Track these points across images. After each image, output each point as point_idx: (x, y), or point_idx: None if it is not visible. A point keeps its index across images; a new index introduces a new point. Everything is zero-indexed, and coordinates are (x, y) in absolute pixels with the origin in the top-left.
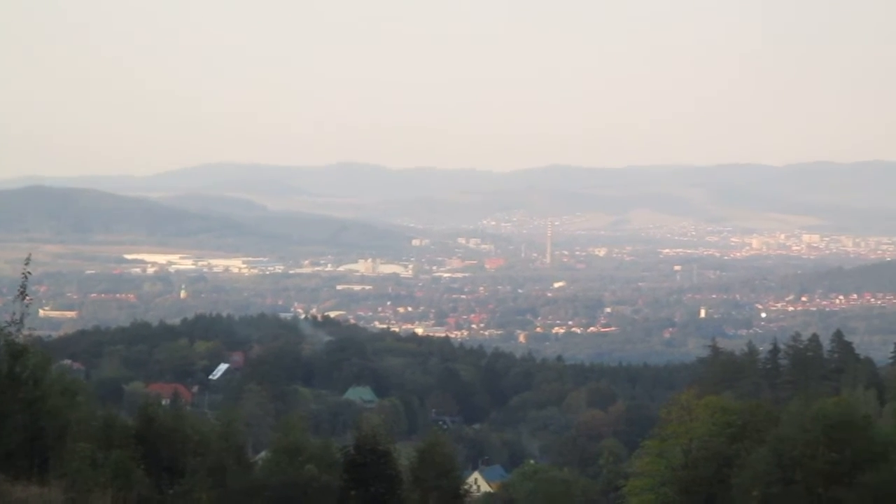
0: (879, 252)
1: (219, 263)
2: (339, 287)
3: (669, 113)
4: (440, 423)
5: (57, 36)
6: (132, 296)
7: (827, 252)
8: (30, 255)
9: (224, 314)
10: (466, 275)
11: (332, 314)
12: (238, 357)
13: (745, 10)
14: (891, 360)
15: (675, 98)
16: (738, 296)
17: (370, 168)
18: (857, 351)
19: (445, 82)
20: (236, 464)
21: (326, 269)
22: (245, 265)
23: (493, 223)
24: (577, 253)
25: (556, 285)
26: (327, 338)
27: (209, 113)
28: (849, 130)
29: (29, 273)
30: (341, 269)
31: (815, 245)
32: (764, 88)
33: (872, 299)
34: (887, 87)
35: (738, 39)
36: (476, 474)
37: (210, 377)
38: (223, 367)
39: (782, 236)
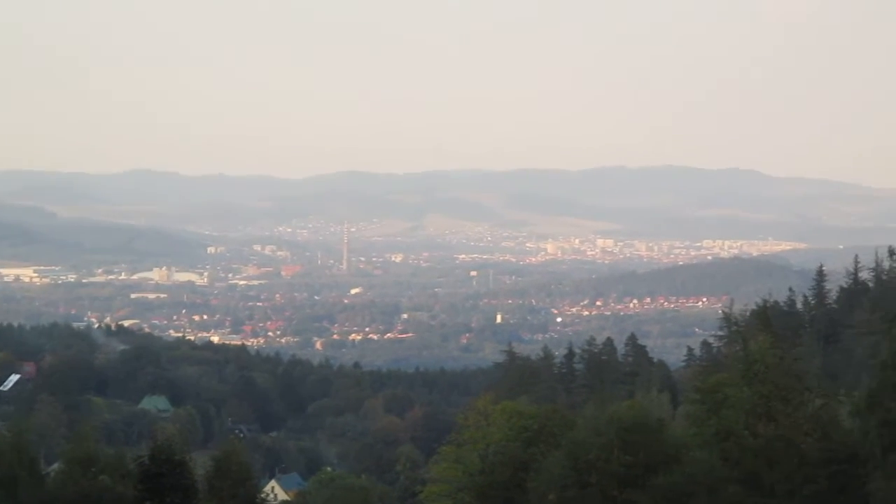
0: (672, 256)
1: (9, 272)
2: (133, 295)
3: (464, 118)
4: (236, 431)
5: None
6: None
7: (621, 256)
8: None
9: (15, 324)
10: (263, 282)
11: (127, 323)
12: (30, 367)
13: (539, 18)
14: (684, 363)
15: (470, 103)
16: (533, 301)
17: (164, 175)
18: (650, 354)
19: (239, 89)
20: (28, 476)
21: (120, 277)
22: (36, 274)
23: (289, 230)
24: (374, 259)
25: (353, 292)
26: (122, 347)
27: (3, 120)
28: (642, 136)
29: None
30: (136, 277)
31: (609, 249)
32: (557, 94)
33: (665, 303)
34: (678, 93)
35: (535, 47)
36: (273, 483)
37: (0, 388)
38: (14, 377)
39: (577, 241)
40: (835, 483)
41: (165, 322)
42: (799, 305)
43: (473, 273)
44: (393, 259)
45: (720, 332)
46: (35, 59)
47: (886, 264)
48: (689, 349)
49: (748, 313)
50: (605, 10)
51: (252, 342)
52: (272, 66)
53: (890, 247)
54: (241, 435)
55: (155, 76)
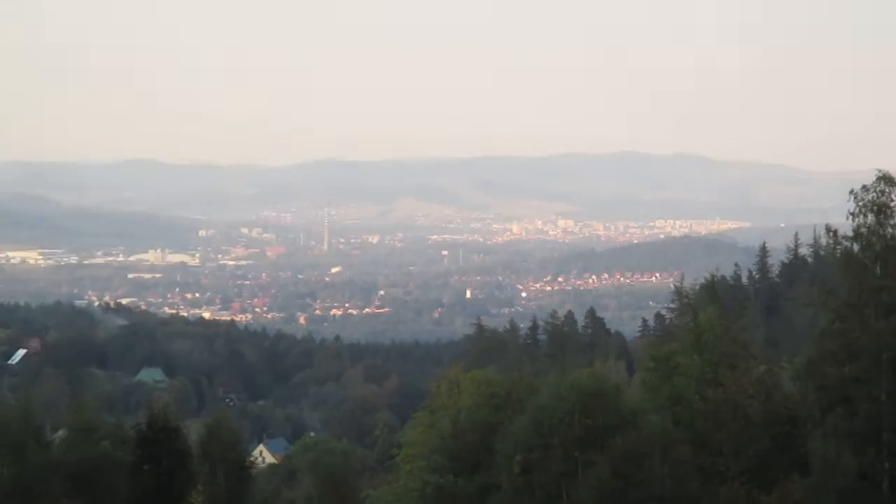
0: (627, 235)
1: (15, 255)
2: (130, 276)
3: (430, 109)
4: (227, 400)
5: None
6: None
7: (580, 236)
8: None
9: (21, 303)
10: (250, 262)
11: (125, 301)
12: (35, 343)
13: (501, 12)
14: (639, 334)
15: (436, 95)
16: (500, 277)
17: (155, 164)
18: (608, 326)
19: (223, 80)
20: (34, 442)
21: (118, 259)
22: (41, 257)
23: (274, 214)
24: (352, 240)
25: (334, 270)
26: (120, 323)
27: (5, 112)
28: (595, 125)
29: None
30: (132, 259)
31: (569, 230)
32: (520, 85)
33: (622, 278)
34: (628, 85)
35: (490, 37)
36: (261, 447)
37: (9, 362)
38: (21, 352)
39: (539, 222)
40: (777, 443)
41: (160, 300)
42: (744, 280)
43: (444, 252)
44: (370, 240)
45: (672, 305)
46: (40, 49)
47: (823, 241)
48: (644, 321)
49: (697, 287)
50: (564, 2)
51: (240, 318)
52: (246, 55)
53: (827, 224)
54: (231, 404)
55: (152, 69)
